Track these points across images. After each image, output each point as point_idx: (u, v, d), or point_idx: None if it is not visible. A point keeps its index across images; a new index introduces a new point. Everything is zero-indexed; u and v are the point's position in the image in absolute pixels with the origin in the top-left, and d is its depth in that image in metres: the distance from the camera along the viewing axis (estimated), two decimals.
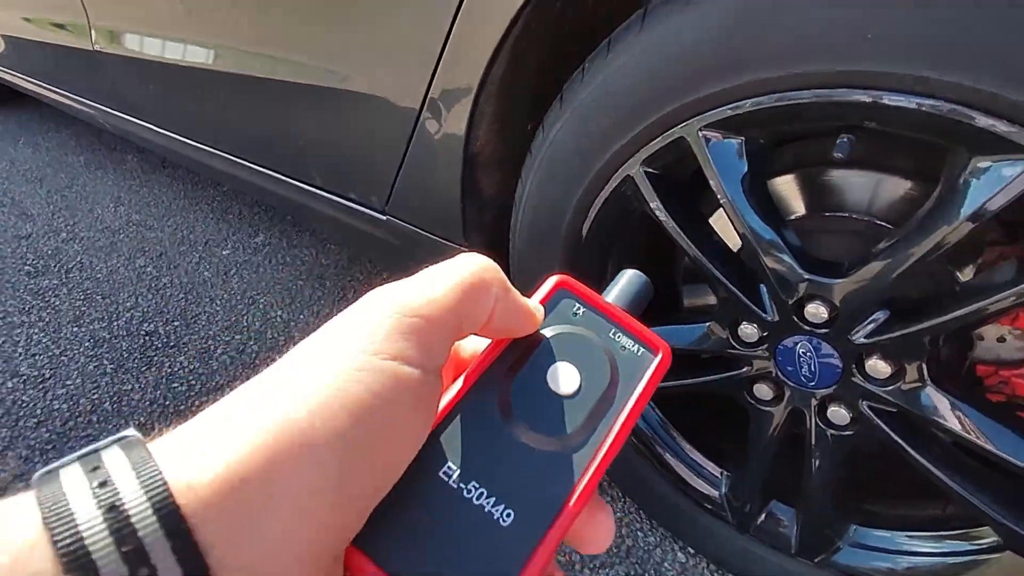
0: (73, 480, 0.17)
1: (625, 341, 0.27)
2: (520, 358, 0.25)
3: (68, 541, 0.15)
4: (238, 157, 1.21)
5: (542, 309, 0.27)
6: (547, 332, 0.26)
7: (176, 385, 1.16)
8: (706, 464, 0.78)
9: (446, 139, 0.78)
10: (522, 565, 0.20)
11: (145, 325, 1.31)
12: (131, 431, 0.19)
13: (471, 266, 0.23)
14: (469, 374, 0.24)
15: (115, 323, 1.32)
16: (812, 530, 0.69)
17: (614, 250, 0.74)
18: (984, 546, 0.58)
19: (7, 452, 1.05)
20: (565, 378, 0.25)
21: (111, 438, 0.19)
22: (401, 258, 1.04)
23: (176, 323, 1.31)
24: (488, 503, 0.21)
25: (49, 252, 1.56)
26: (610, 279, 0.32)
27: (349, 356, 0.20)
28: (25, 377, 1.19)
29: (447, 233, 0.90)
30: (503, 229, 0.91)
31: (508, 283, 0.24)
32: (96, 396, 1.14)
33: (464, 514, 0.21)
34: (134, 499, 0.16)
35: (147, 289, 1.42)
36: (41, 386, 1.17)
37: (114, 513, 0.16)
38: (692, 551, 0.84)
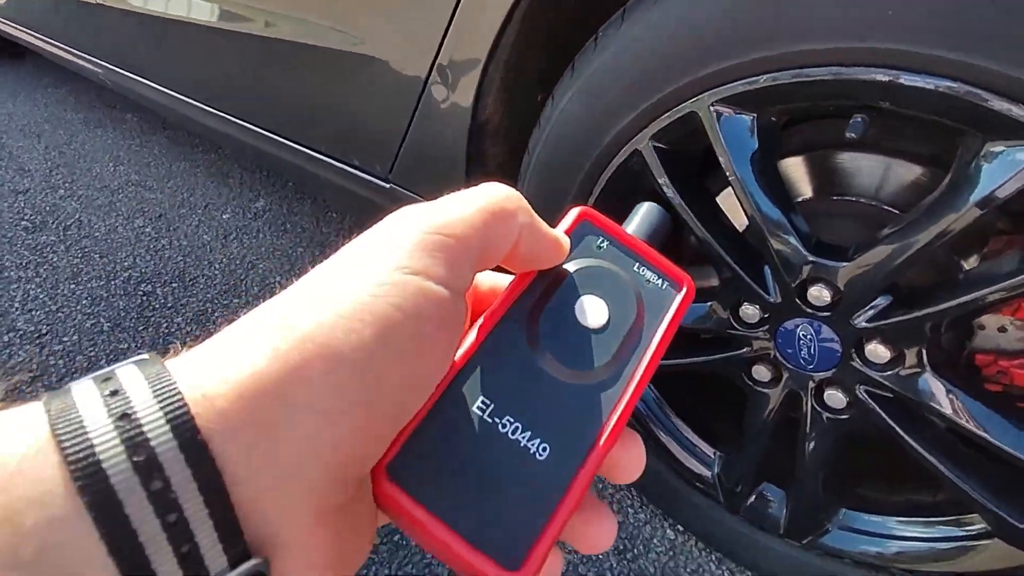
0: (84, 391, 0.16)
1: (649, 274, 0.27)
2: (546, 291, 0.25)
3: (77, 448, 0.14)
4: (241, 119, 1.19)
5: (568, 240, 0.26)
6: (572, 265, 0.26)
7: (173, 343, 1.16)
8: (699, 443, 0.79)
9: (453, 108, 0.77)
10: (560, 498, 0.20)
11: (143, 285, 1.30)
12: (147, 354, 0.18)
13: (496, 191, 0.23)
14: (496, 308, 0.24)
15: (113, 282, 1.31)
16: (802, 512, 0.70)
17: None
18: (973, 532, 0.59)
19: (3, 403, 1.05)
20: (593, 311, 0.24)
21: (127, 360, 0.18)
22: None
23: (174, 284, 1.31)
24: (524, 437, 0.21)
25: (47, 208, 1.55)
26: None
27: (373, 271, 0.19)
28: (22, 332, 1.19)
29: None
30: None
31: (533, 211, 0.23)
32: (93, 353, 1.14)
33: (500, 448, 0.21)
34: (146, 407, 0.15)
35: (145, 250, 1.41)
36: (38, 342, 1.17)
37: (126, 421, 0.15)
38: (681, 529, 0.85)
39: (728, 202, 0.67)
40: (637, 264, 0.27)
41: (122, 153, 1.80)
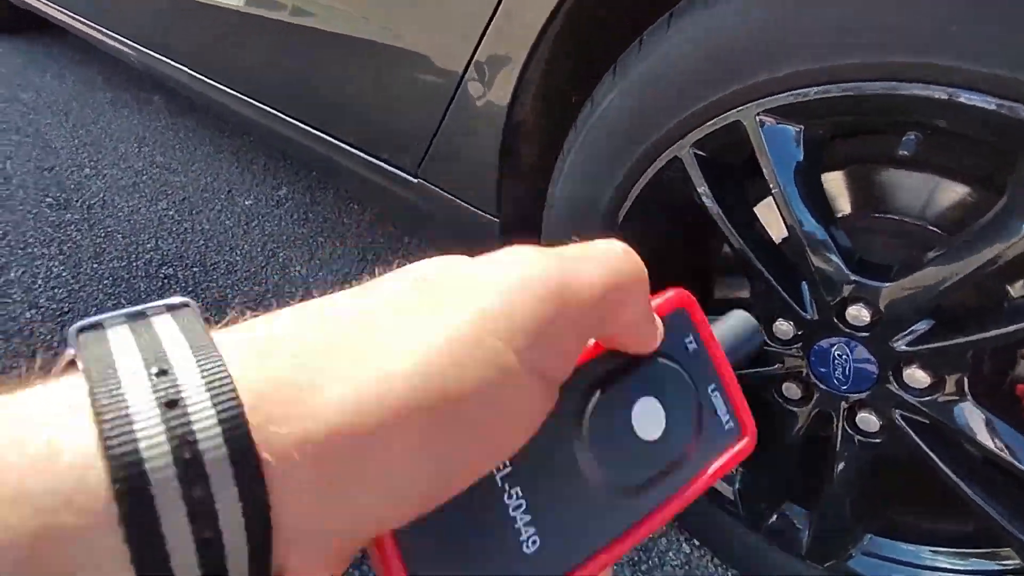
0: (124, 352, 0.14)
1: (720, 404, 0.24)
2: (612, 376, 0.22)
3: (120, 443, 0.13)
4: (269, 106, 1.19)
5: (662, 328, 0.23)
6: (650, 357, 0.23)
7: None
8: None
9: (488, 106, 0.76)
10: None
11: (164, 268, 1.31)
12: (181, 298, 0.16)
13: (629, 261, 0.19)
14: None
15: (134, 263, 1.32)
16: (826, 535, 0.68)
17: (650, 234, 0.72)
18: (1010, 567, 0.57)
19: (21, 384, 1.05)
20: (650, 421, 0.22)
21: (161, 302, 0.16)
22: (427, 223, 1.03)
23: (195, 269, 1.31)
24: (522, 519, 0.19)
25: (72, 186, 1.56)
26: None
27: (473, 331, 0.16)
28: (44, 309, 1.19)
29: (479, 202, 0.88)
30: (536, 201, 0.89)
31: (648, 290, 0.20)
32: None
33: (495, 521, 0.19)
34: (199, 406, 0.13)
35: (168, 233, 1.41)
36: (59, 319, 1.17)
37: (174, 414, 0.13)
38: (697, 543, 0.84)
39: (765, 212, 0.65)
40: (714, 387, 0.24)
41: (148, 134, 1.81)
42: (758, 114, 0.55)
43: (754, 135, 0.56)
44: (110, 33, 1.66)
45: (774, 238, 0.65)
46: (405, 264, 0.19)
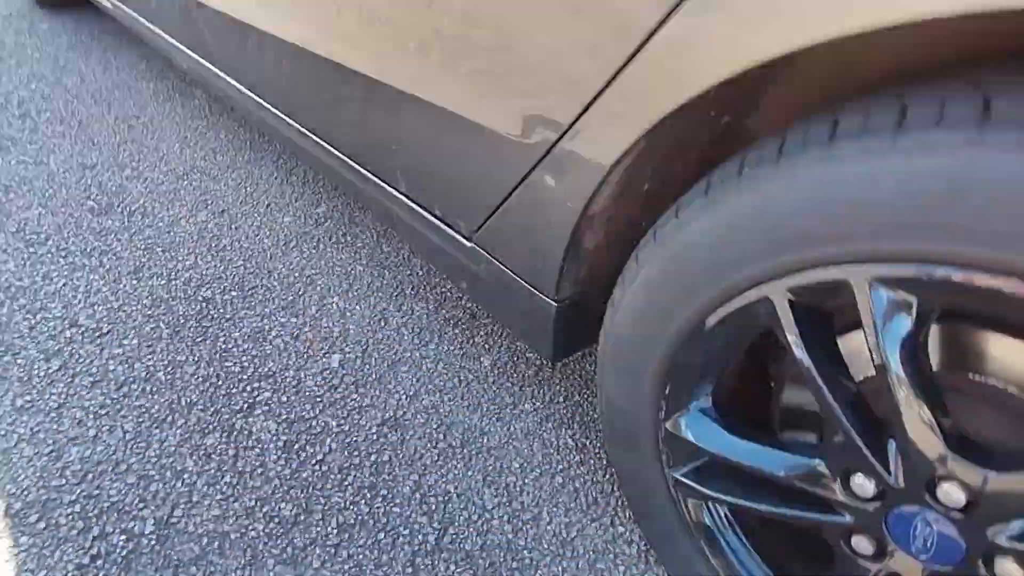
0: None
1: None
2: None
3: None
4: (322, 139, 1.16)
5: None
6: None
7: (229, 364, 1.15)
8: None
9: (565, 195, 0.72)
10: None
11: (203, 290, 1.29)
12: None
13: None
14: None
15: (173, 282, 1.31)
16: None
17: (716, 359, 0.68)
18: None
19: (62, 410, 1.05)
20: None
21: None
22: (470, 279, 1.00)
23: (233, 293, 1.30)
24: None
25: (113, 189, 1.54)
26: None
27: None
28: (84, 328, 1.19)
29: (536, 281, 0.84)
30: (594, 287, 0.85)
31: None
32: (151, 362, 1.14)
33: None
34: None
35: (207, 249, 1.40)
36: (98, 341, 1.17)
37: None
38: None
39: (853, 357, 0.61)
40: None
41: (189, 134, 1.78)
42: (872, 279, 0.51)
43: (862, 299, 0.52)
44: (162, 34, 1.62)
45: (860, 387, 0.61)
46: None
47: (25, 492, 0.95)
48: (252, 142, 1.78)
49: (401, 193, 1.03)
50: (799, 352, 0.58)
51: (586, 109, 0.64)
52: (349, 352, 1.19)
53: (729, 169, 0.60)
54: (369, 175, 1.08)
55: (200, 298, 1.28)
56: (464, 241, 0.94)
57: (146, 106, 1.89)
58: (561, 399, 1.13)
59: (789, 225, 0.54)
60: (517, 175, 0.77)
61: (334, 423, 1.07)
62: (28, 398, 1.07)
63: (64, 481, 0.96)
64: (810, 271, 0.55)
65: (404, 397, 1.12)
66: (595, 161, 0.66)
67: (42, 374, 1.10)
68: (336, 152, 1.14)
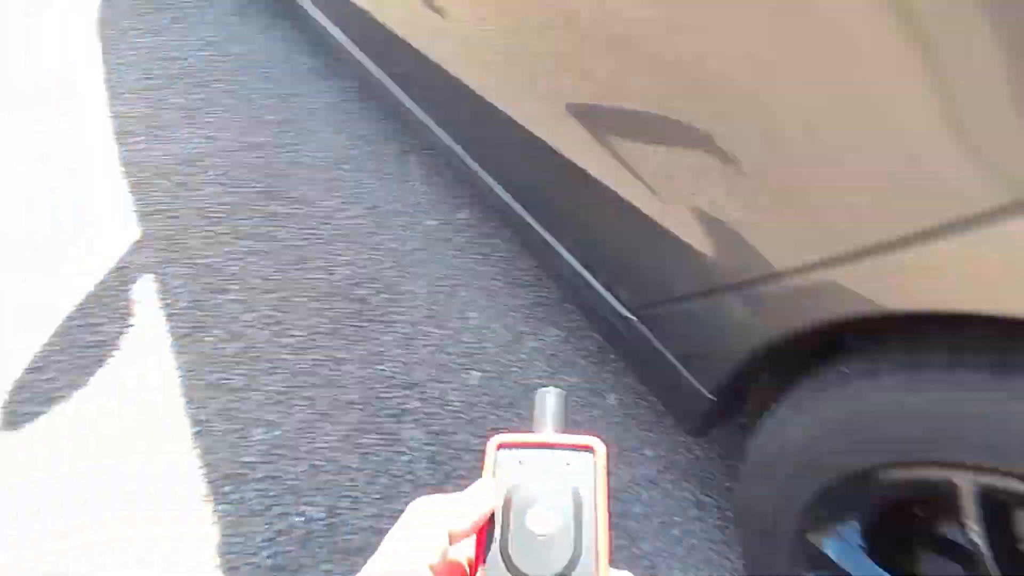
0: None
1: (566, 456, 0.35)
2: (502, 527, 0.33)
3: None
4: (495, 177, 1.22)
5: (493, 484, 0.34)
6: (508, 492, 0.34)
7: (383, 368, 1.28)
8: None
9: (752, 325, 0.76)
10: None
11: (358, 289, 1.42)
12: None
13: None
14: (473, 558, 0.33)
15: (332, 277, 1.44)
16: None
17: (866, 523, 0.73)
18: None
19: (247, 391, 1.22)
20: (541, 521, 0.33)
21: None
22: (617, 339, 1.06)
23: (385, 295, 1.42)
24: None
25: (278, 171, 1.68)
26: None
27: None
28: (260, 315, 1.34)
29: (696, 375, 0.90)
30: (743, 394, 0.90)
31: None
32: (315, 355, 1.28)
33: None
34: None
35: (361, 245, 1.52)
36: (272, 327, 1.32)
37: None
38: None
39: None
40: (552, 455, 0.35)
41: (342, 119, 1.88)
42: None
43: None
44: (363, 56, 1.69)
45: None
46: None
47: (220, 463, 1.12)
48: (398, 132, 1.87)
49: (565, 248, 1.09)
50: (980, 543, 0.61)
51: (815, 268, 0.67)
52: (487, 371, 1.30)
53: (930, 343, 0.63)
54: (535, 223, 1.14)
55: (356, 296, 1.41)
56: (628, 314, 1.00)
57: (302, 83, 1.99)
58: (683, 450, 1.20)
59: (1006, 432, 0.57)
60: (704, 286, 0.81)
61: (475, 441, 1.19)
62: (218, 376, 1.24)
63: (251, 459, 1.13)
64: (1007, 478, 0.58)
65: None
66: (793, 313, 0.70)
67: (229, 354, 1.27)
68: (507, 192, 1.20)
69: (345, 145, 1.79)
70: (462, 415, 1.22)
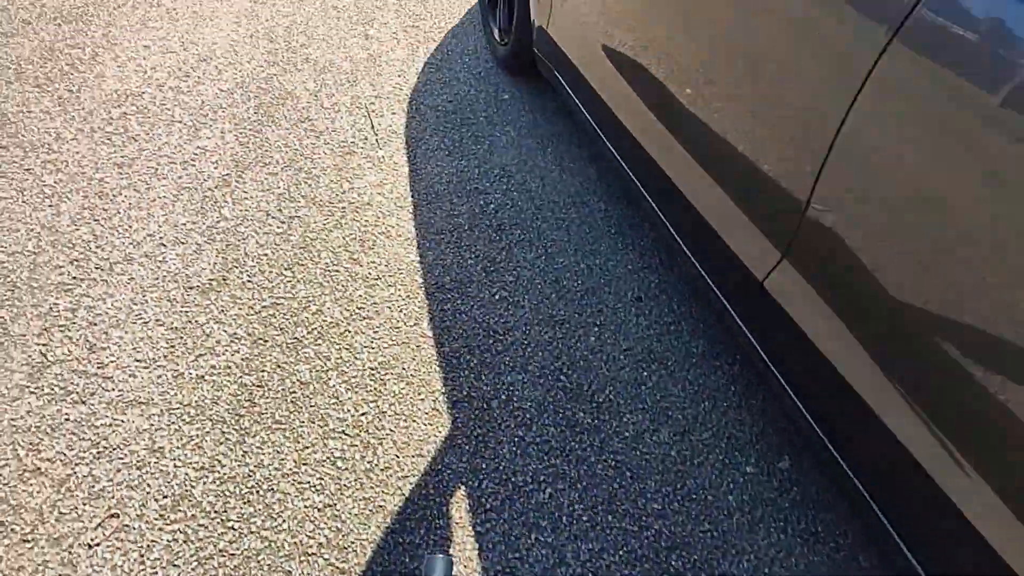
0: None
1: None
2: None
3: None
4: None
5: None
6: None
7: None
8: None
9: None
10: None
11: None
12: None
13: None
14: None
15: (641, 536, 1.31)
16: None
17: None
18: None
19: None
20: None
21: None
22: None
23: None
24: None
25: (580, 365, 1.56)
26: None
27: None
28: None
29: None
30: None
31: None
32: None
33: None
34: None
35: (672, 490, 1.37)
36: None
37: None
38: None
39: None
40: None
41: (644, 294, 1.73)
42: None
43: None
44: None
45: None
46: None
47: None
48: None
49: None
50: None
51: None
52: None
53: None
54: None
55: (671, 570, 1.26)
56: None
57: (602, 240, 1.87)
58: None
59: None
60: None
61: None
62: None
63: None
64: None
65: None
66: None
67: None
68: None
69: (648, 334, 1.64)
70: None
